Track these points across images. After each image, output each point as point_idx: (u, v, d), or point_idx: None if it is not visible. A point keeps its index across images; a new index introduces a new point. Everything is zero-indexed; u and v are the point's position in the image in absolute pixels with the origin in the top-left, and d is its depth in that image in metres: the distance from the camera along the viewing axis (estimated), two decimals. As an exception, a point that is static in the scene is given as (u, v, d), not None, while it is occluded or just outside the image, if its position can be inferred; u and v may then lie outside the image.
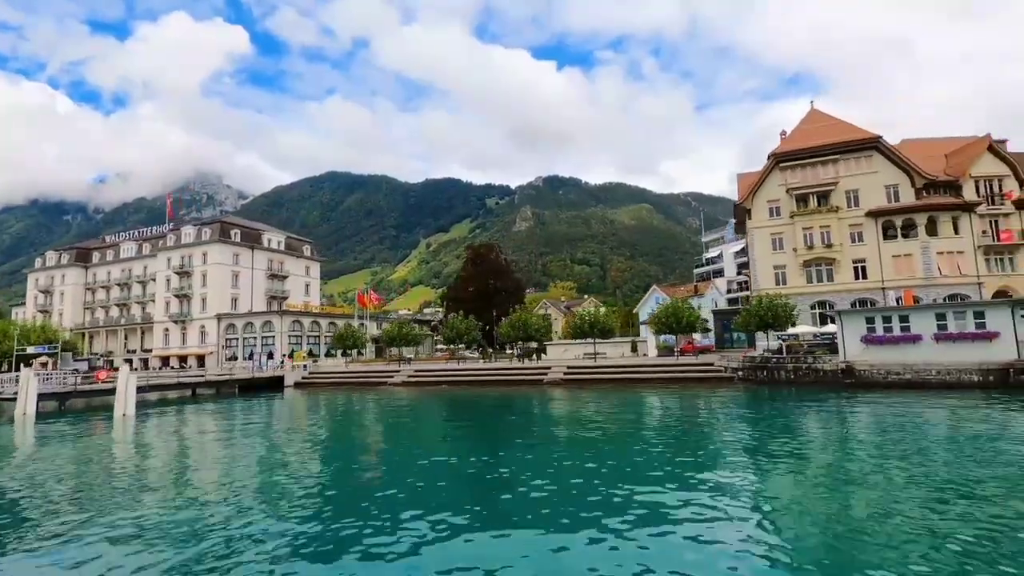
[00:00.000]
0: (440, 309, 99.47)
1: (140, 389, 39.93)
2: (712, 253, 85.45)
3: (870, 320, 32.06)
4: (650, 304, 72.84)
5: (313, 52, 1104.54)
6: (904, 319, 31.03)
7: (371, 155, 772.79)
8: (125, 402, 29.80)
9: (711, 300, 70.09)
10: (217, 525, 10.38)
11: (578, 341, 50.28)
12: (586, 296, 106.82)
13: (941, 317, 30.05)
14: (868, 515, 9.86)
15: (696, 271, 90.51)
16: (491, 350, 60.39)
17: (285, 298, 78.01)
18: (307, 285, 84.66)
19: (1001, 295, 42.88)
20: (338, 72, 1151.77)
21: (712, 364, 39.96)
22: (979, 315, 29.06)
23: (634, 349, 54.09)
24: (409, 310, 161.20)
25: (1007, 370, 27.41)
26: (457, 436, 22.70)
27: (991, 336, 28.34)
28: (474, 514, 10.84)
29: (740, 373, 36.75)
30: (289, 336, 66.87)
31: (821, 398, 27.27)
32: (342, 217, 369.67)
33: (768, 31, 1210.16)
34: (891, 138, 48.37)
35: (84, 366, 57.87)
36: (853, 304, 44.79)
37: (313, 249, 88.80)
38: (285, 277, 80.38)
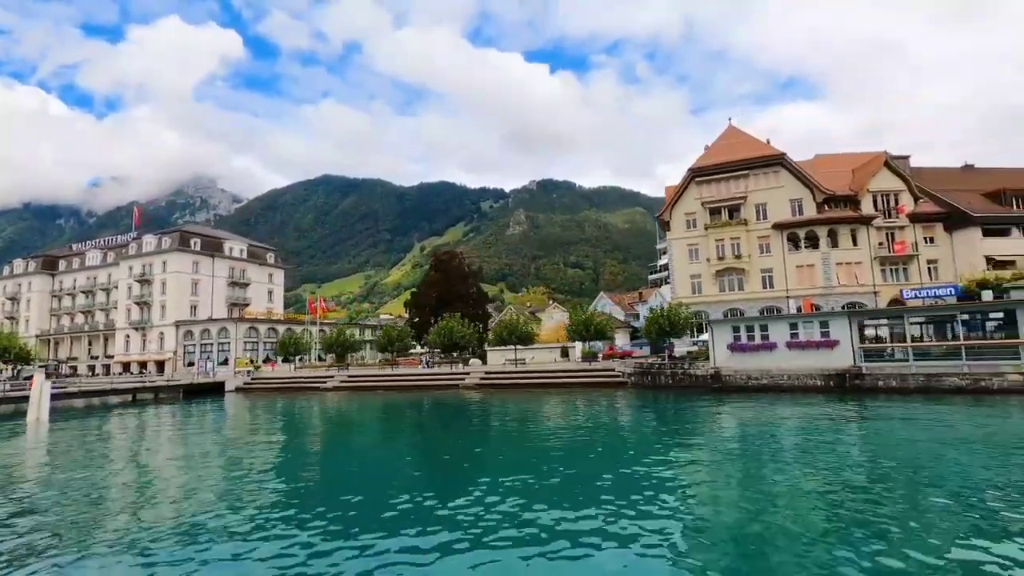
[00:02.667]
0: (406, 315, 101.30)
1: (70, 395, 42.74)
2: (665, 260, 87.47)
3: (736, 329, 34.28)
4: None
5: (307, 56, 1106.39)
6: (764, 328, 33.25)
7: (366, 158, 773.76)
8: (39, 407, 31.96)
9: (647, 308, 72.06)
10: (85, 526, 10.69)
11: (511, 347, 52.50)
12: (551, 301, 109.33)
13: (794, 326, 32.26)
14: (707, 507, 11.19)
15: (650, 277, 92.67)
16: (431, 355, 62.55)
17: (247, 305, 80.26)
18: (270, 292, 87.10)
19: (896, 303, 44.99)
20: (334, 76, 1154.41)
21: (614, 370, 42.19)
22: (824, 325, 31.27)
23: (565, 354, 56.33)
24: (391, 314, 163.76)
25: (844, 375, 29.63)
26: (321, 438, 24.90)
27: (832, 344, 30.55)
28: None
29: (632, 378, 39.00)
30: (245, 343, 69.15)
31: (689, 403, 28.97)
32: (336, 220, 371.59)
33: (765, 33, 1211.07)
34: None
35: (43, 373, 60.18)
36: (761, 312, 46.92)
37: (277, 257, 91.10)
38: (247, 284, 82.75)
